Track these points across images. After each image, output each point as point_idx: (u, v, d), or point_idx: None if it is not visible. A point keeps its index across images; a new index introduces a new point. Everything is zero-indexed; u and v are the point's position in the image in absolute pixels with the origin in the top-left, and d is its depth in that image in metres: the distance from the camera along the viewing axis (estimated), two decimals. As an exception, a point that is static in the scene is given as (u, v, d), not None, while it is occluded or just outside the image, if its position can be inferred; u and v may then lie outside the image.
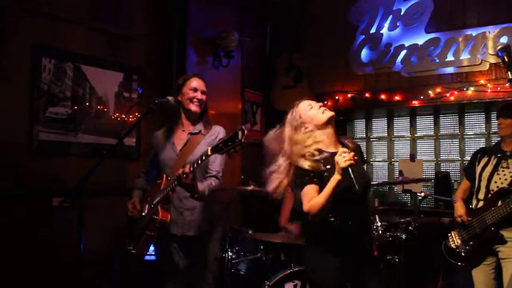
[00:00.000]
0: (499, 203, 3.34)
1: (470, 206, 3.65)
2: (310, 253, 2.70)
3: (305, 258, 2.77)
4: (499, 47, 2.06)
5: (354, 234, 2.61)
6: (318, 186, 2.58)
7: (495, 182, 3.46)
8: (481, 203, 3.53)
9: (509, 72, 1.96)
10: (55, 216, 3.70)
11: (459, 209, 3.65)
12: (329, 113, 2.68)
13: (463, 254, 3.57)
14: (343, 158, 2.43)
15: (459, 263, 3.65)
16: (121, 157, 4.29)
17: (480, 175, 3.57)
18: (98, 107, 4.17)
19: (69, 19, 3.97)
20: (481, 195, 3.55)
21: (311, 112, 2.70)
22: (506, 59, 2.00)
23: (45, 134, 3.77)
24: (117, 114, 4.29)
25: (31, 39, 3.73)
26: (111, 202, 4.07)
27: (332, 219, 2.57)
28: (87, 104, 4.08)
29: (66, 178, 3.77)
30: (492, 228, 3.36)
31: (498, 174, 3.47)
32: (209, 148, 2.74)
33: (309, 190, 2.58)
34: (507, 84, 1.95)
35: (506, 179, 3.41)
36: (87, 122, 4.06)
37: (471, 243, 3.52)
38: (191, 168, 2.80)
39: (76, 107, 3.99)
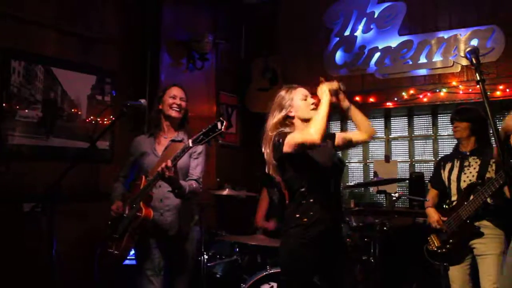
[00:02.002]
0: (471, 197, 3.43)
1: (445, 206, 3.71)
2: (286, 242, 2.70)
3: (280, 248, 2.77)
4: (468, 49, 2.09)
5: (330, 218, 2.66)
6: None
7: (464, 181, 3.59)
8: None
9: (477, 74, 1.98)
10: (26, 222, 3.61)
11: (433, 215, 3.72)
12: (314, 114, 2.70)
13: (445, 254, 3.60)
14: (327, 83, 2.69)
15: (443, 263, 3.65)
16: (95, 161, 4.23)
17: (449, 179, 3.71)
18: (70, 110, 4.10)
19: (40, 22, 3.90)
20: (454, 197, 3.66)
21: (302, 102, 2.77)
22: (474, 61, 2.03)
23: (15, 138, 3.70)
24: (91, 118, 4.23)
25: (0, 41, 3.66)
26: (84, 206, 4.01)
27: (311, 200, 2.63)
28: (58, 107, 4.01)
29: (37, 183, 3.69)
30: (468, 222, 3.44)
31: (464, 173, 3.61)
32: (190, 140, 2.86)
33: (298, 131, 2.67)
34: (478, 86, 1.97)
35: (473, 176, 3.54)
36: (59, 126, 3.99)
37: (451, 241, 3.56)
38: (173, 162, 2.91)
39: (47, 111, 3.92)
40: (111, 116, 4.27)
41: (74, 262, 3.86)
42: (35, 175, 3.76)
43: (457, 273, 3.60)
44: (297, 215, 2.65)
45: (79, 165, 3.20)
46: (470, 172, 3.57)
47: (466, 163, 3.61)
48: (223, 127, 2.73)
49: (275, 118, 2.77)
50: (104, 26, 4.43)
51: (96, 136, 3.23)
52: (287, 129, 2.73)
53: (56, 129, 3.97)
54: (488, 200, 3.34)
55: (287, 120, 2.78)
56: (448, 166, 3.75)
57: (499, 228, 3.41)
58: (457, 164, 3.68)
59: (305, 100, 2.78)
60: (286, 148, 2.61)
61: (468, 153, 3.63)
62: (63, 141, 4.00)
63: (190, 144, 2.86)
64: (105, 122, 4.25)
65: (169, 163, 2.89)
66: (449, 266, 3.65)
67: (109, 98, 4.39)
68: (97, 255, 3.87)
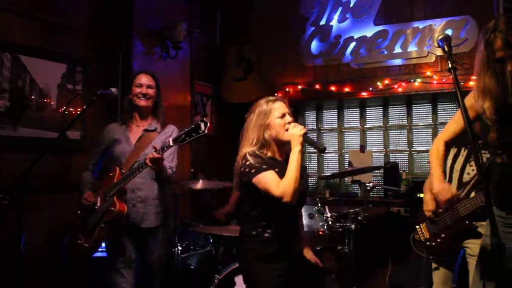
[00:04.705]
0: (472, 194, 3.11)
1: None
2: (245, 263, 2.65)
3: (241, 269, 2.71)
4: (440, 37, 2.08)
5: (287, 245, 2.60)
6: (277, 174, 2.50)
7: (468, 173, 3.27)
8: None
9: (449, 61, 1.98)
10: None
11: (429, 203, 3.26)
12: (288, 137, 2.57)
13: (434, 247, 3.31)
14: (298, 128, 2.53)
15: (429, 256, 3.36)
16: (65, 151, 4.13)
17: (452, 167, 3.37)
18: (40, 99, 3.99)
19: (6, 8, 3.77)
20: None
21: (278, 121, 2.61)
22: (446, 49, 2.02)
23: (-19, 128, 3.58)
24: (64, 108, 4.11)
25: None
26: (54, 198, 3.93)
27: (266, 234, 2.55)
28: (27, 96, 3.89)
29: (5, 174, 3.58)
30: (466, 222, 3.11)
31: (470, 165, 3.27)
32: (171, 139, 2.86)
33: (272, 175, 2.47)
34: (451, 76, 1.96)
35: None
36: (28, 115, 3.87)
37: (443, 235, 3.26)
38: (161, 153, 2.94)
39: (15, 100, 3.79)
40: (84, 106, 4.17)
41: (43, 254, 3.78)
42: (3, 167, 3.65)
43: (441, 268, 3.39)
44: (253, 233, 2.58)
45: (50, 155, 3.12)
46: None
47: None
48: (206, 129, 2.72)
49: (250, 137, 2.62)
50: (75, 13, 4.30)
51: (65, 126, 3.16)
52: (261, 154, 2.58)
53: (25, 119, 3.85)
54: None
55: (263, 140, 2.61)
56: (453, 151, 3.39)
57: None
58: (464, 153, 3.32)
59: (282, 118, 2.62)
60: (255, 181, 2.48)
61: (480, 145, 3.08)
62: (32, 131, 3.88)
63: (171, 143, 2.86)
64: (78, 112, 4.15)
65: (157, 155, 2.91)
66: (438, 261, 3.45)
67: (81, 87, 4.29)
68: (64, 245, 3.79)
